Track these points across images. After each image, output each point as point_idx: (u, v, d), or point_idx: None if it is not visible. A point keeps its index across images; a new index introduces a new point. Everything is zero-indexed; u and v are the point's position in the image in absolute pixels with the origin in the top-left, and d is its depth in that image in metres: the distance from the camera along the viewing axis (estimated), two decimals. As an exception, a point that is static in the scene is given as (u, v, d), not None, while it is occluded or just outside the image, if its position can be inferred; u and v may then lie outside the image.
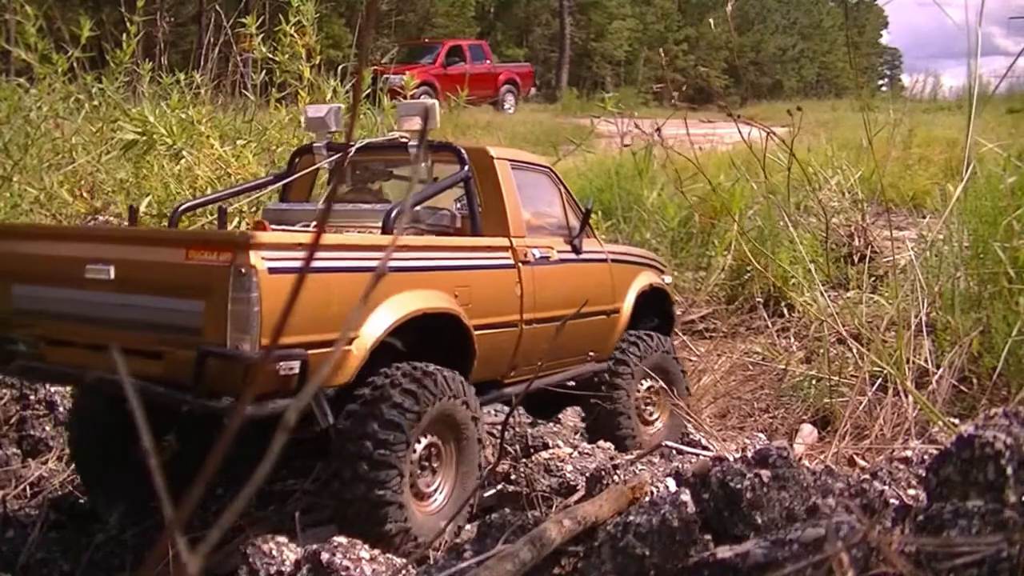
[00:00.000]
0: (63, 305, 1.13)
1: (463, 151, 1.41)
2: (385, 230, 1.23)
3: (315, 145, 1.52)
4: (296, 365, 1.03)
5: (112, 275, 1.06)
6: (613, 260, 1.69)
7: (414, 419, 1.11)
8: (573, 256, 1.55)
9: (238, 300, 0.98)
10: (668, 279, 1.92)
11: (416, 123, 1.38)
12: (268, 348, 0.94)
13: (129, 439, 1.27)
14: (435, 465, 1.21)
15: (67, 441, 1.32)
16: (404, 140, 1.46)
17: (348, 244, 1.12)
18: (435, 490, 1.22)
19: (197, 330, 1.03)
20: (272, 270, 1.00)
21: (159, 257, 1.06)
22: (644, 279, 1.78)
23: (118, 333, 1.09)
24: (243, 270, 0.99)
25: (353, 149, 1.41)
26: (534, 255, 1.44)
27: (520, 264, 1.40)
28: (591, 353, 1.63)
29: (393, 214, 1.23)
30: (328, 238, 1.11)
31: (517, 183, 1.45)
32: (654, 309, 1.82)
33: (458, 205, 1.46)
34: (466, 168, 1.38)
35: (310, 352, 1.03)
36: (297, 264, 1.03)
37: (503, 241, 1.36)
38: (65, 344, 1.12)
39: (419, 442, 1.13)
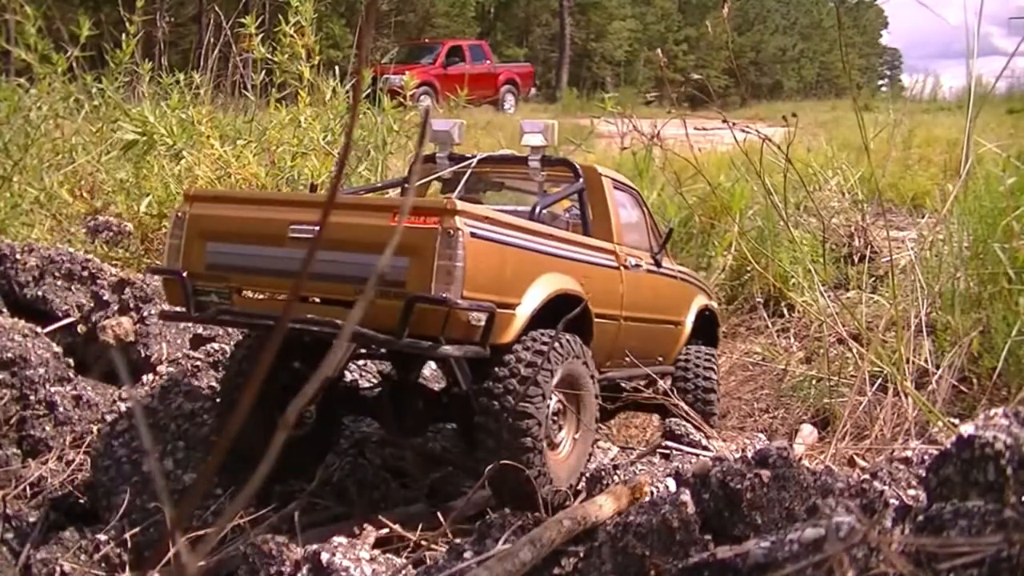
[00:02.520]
0: (259, 261, 1.28)
1: (578, 167, 1.62)
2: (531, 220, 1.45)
3: (437, 155, 1.69)
4: (484, 317, 1.20)
5: (316, 235, 1.21)
6: (680, 278, 1.92)
7: (548, 375, 1.27)
8: (655, 268, 1.77)
9: (445, 256, 1.16)
10: (714, 304, 2.13)
11: (536, 139, 1.59)
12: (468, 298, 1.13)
13: (282, 400, 1.39)
14: (562, 419, 1.36)
15: (219, 391, 1.47)
16: (515, 154, 1.71)
17: (519, 225, 1.32)
18: (562, 441, 1.36)
19: (400, 283, 1.18)
20: (472, 234, 1.19)
21: (366, 220, 1.20)
22: (702, 300, 1.99)
23: (317, 285, 1.23)
24: (451, 232, 1.16)
25: (474, 160, 1.60)
26: (630, 262, 1.65)
27: (621, 267, 1.61)
28: (659, 358, 1.83)
29: (538, 210, 1.46)
30: (506, 218, 1.30)
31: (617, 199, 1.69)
32: (703, 330, 2.00)
33: (567, 214, 1.70)
34: (580, 181, 1.59)
35: (497, 311, 1.22)
36: (488, 233, 1.22)
37: (610, 246, 1.59)
38: (258, 294, 1.28)
39: (551, 397, 1.30)
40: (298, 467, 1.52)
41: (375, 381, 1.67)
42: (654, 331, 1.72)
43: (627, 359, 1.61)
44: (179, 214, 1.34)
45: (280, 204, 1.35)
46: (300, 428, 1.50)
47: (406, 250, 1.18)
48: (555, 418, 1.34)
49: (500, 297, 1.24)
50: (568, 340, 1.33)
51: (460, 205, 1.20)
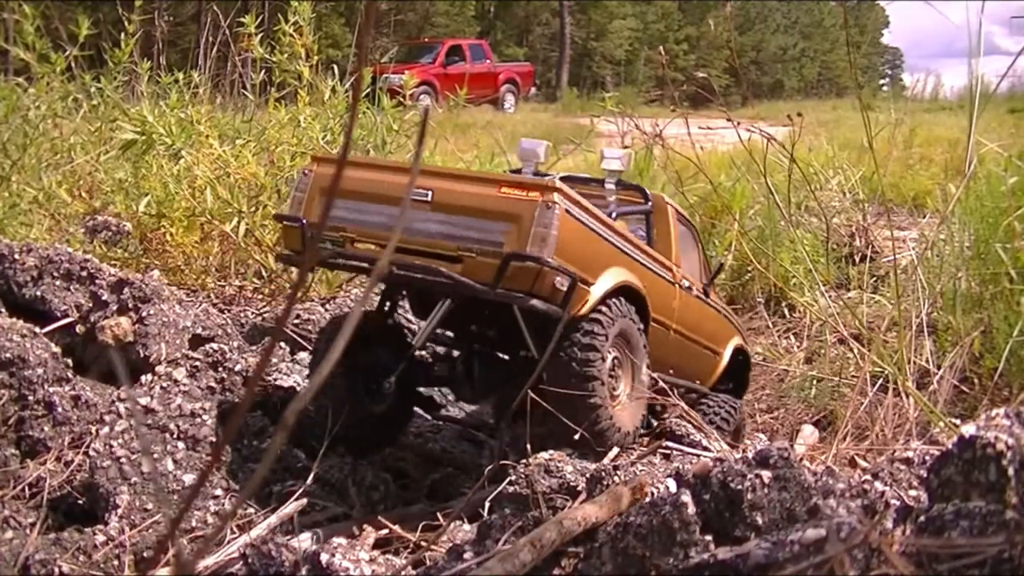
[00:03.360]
0: (373, 217, 1.46)
1: (648, 192, 1.87)
2: None
3: (523, 171, 1.90)
4: (567, 283, 1.39)
5: (429, 198, 1.40)
6: (723, 314, 2.10)
7: (603, 337, 1.45)
8: (703, 297, 1.95)
9: (541, 224, 1.35)
10: (747, 347, 2.30)
11: (615, 164, 1.78)
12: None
13: (368, 380, 1.61)
14: (619, 372, 1.55)
15: (309, 372, 1.69)
16: (593, 177, 1.93)
17: (603, 219, 1.52)
18: (620, 392, 1.55)
19: (498, 244, 1.38)
20: (567, 211, 1.39)
21: (475, 190, 1.41)
22: (738, 340, 2.16)
23: (423, 240, 1.42)
24: (549, 204, 1.36)
25: (557, 178, 1.79)
26: (684, 283, 1.85)
27: (677, 285, 1.81)
28: (697, 381, 2.03)
29: (613, 215, 1.70)
30: (594, 209, 1.50)
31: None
32: (734, 371, 2.15)
33: (634, 233, 1.90)
34: (649, 204, 1.82)
35: (578, 284, 1.41)
36: (579, 215, 1.42)
37: (670, 263, 1.79)
38: (369, 245, 1.48)
39: (609, 352, 1.48)
40: (379, 439, 1.69)
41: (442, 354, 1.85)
42: (697, 352, 1.91)
43: (671, 371, 1.80)
44: (305, 171, 1.53)
45: (396, 170, 1.52)
46: (381, 402, 1.65)
47: (508, 217, 1.37)
48: (612, 372, 1.51)
49: (580, 272, 1.41)
50: (621, 301, 1.51)
51: (559, 185, 1.40)
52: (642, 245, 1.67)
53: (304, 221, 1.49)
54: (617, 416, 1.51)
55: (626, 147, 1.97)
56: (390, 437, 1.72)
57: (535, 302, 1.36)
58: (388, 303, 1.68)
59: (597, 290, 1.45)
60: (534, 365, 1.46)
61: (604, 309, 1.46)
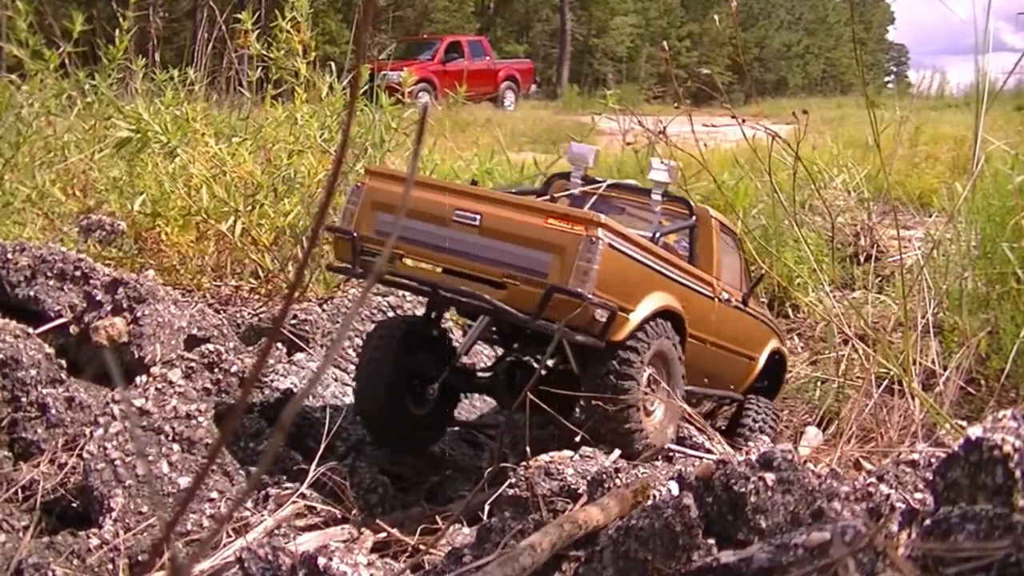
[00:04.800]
0: (423, 235, 1.52)
1: (692, 204, 1.89)
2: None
3: (572, 175, 1.94)
4: (606, 315, 1.44)
5: (477, 222, 1.47)
6: (761, 320, 2.14)
7: (639, 363, 1.53)
8: (742, 306, 1.98)
9: (585, 259, 1.41)
10: (785, 349, 2.35)
11: (662, 176, 1.83)
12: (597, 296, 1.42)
13: (412, 383, 1.67)
14: (653, 388, 1.62)
15: (357, 377, 1.70)
16: (640, 185, 1.99)
17: (646, 246, 1.56)
18: (655, 407, 1.62)
19: (542, 274, 1.44)
20: (610, 245, 1.44)
21: (522, 218, 1.46)
22: (775, 343, 2.19)
23: (469, 263, 1.48)
24: (593, 240, 1.41)
25: (604, 185, 1.88)
26: (724, 296, 1.88)
27: (716, 299, 1.84)
28: (731, 386, 2.09)
29: (658, 235, 1.74)
30: (637, 238, 1.54)
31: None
32: (770, 372, 2.21)
33: (677, 245, 1.94)
34: (693, 218, 1.85)
35: (617, 313, 1.47)
36: (621, 247, 1.47)
37: (710, 279, 1.82)
38: (418, 263, 1.53)
39: (645, 369, 1.55)
40: (418, 442, 1.76)
41: (488, 364, 1.97)
42: (732, 360, 1.95)
43: (705, 380, 1.87)
44: (359, 185, 1.58)
45: (447, 191, 1.56)
46: (423, 406, 1.70)
47: (552, 248, 1.43)
48: (648, 388, 1.58)
49: (620, 301, 1.47)
50: (658, 322, 1.57)
51: (604, 219, 1.44)
52: (683, 265, 1.70)
53: (355, 234, 1.53)
54: (650, 431, 1.56)
55: (660, 159, 2.00)
56: (429, 440, 1.79)
57: (574, 334, 1.41)
58: (434, 312, 1.73)
59: (636, 316, 1.50)
60: (573, 375, 1.51)
61: (641, 333, 1.51)
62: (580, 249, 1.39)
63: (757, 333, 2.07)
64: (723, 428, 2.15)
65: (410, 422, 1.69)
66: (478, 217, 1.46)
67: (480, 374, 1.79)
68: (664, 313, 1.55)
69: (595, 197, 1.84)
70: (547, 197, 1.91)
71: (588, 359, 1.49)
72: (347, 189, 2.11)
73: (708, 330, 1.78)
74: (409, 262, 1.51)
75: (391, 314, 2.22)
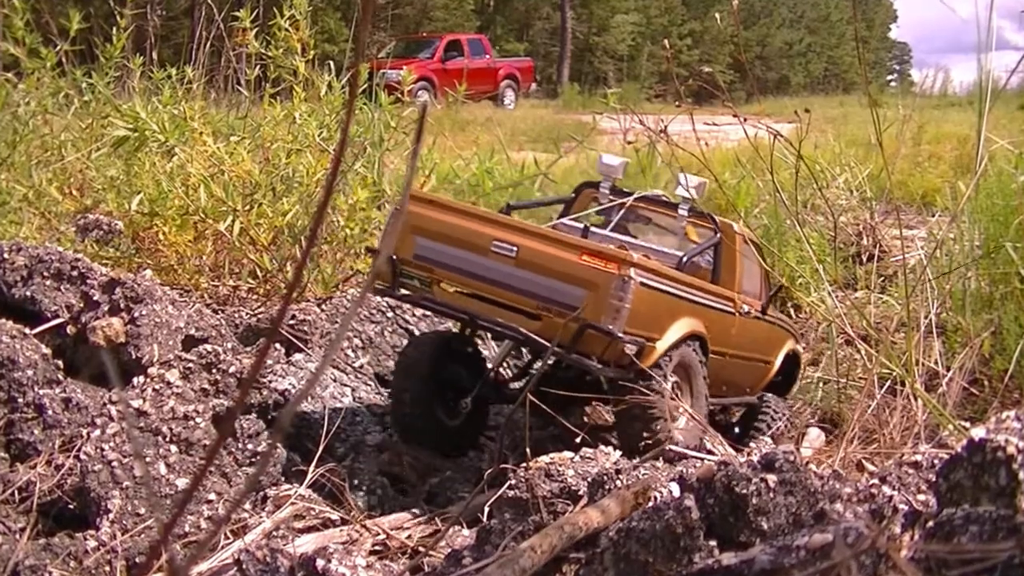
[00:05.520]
0: (461, 263, 1.60)
1: (717, 220, 1.97)
2: (678, 268, 1.81)
3: (601, 185, 2.02)
4: (636, 349, 1.54)
5: (514, 254, 1.54)
6: (778, 324, 2.23)
7: (664, 378, 1.61)
8: (760, 315, 2.07)
9: (617, 297, 1.49)
10: (800, 348, 2.46)
11: (688, 191, 1.90)
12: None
13: (446, 395, 1.76)
14: (679, 395, 1.70)
15: (392, 390, 1.78)
16: (668, 198, 2.07)
17: (674, 277, 1.65)
18: (680, 413, 1.70)
19: (575, 308, 1.51)
20: (641, 283, 1.53)
21: (558, 253, 1.53)
22: (790, 344, 2.29)
23: (505, 293, 1.56)
24: (626, 280, 1.50)
25: (632, 198, 1.96)
26: (744, 308, 1.95)
27: (737, 313, 1.92)
28: (747, 388, 2.18)
29: (685, 259, 1.83)
30: (665, 271, 1.63)
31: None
32: (784, 368, 2.30)
33: (702, 260, 2.03)
34: (718, 235, 1.93)
35: (646, 344, 1.56)
36: (651, 282, 1.55)
37: (731, 294, 1.90)
38: (454, 288, 1.60)
39: (670, 378, 1.63)
40: (456, 448, 1.84)
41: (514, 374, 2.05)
42: (750, 367, 2.11)
43: (724, 388, 1.96)
44: (398, 208, 1.74)
45: (486, 221, 1.63)
46: (456, 418, 1.78)
47: (586, 284, 1.51)
48: (673, 394, 1.66)
49: (648, 333, 1.56)
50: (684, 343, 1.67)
51: (636, 258, 1.53)
52: (706, 287, 1.77)
53: (394, 257, 1.60)
54: (676, 437, 1.63)
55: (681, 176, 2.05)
56: (461, 448, 1.87)
57: (604, 370, 1.51)
58: (468, 330, 1.81)
59: (663, 344, 1.59)
60: (600, 386, 1.61)
61: (667, 355, 1.62)
62: (613, 288, 1.46)
63: (774, 337, 2.23)
64: (735, 425, 2.20)
65: (443, 433, 1.76)
66: (515, 249, 1.52)
67: (511, 385, 1.89)
68: (689, 336, 1.65)
69: (624, 209, 1.95)
70: (576, 206, 2.00)
71: (616, 378, 1.58)
72: (344, 188, 2.16)
73: (729, 344, 1.87)
74: (445, 287, 1.58)
75: (390, 315, 2.24)
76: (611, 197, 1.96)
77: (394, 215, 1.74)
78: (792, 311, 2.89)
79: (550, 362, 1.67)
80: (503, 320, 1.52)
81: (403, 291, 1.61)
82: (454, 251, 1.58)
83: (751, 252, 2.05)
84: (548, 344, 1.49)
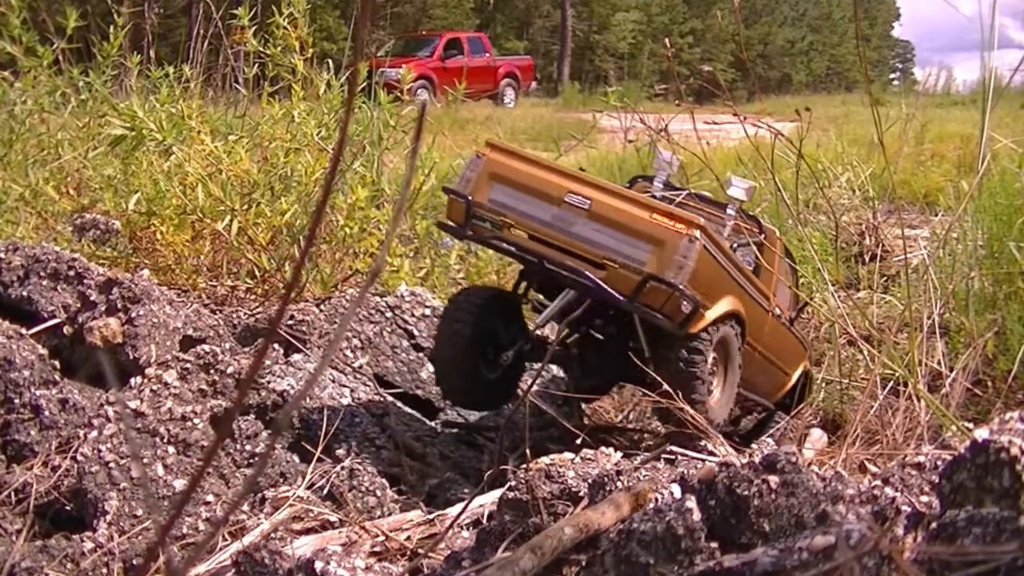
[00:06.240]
0: (533, 209, 1.66)
1: (763, 224, 2.09)
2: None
3: (655, 179, 2.12)
4: (690, 307, 1.59)
5: (587, 207, 1.60)
6: (800, 341, 2.33)
7: (708, 342, 1.69)
8: (788, 325, 2.17)
9: (682, 254, 1.56)
10: (812, 369, 2.55)
11: (740, 193, 1.97)
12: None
13: (487, 348, 1.82)
14: (716, 370, 1.78)
15: (436, 346, 1.84)
16: (716, 199, 2.15)
17: (731, 256, 1.74)
18: (716, 387, 1.78)
19: (641, 261, 1.59)
20: (704, 247, 1.60)
21: (630, 209, 1.61)
22: (806, 363, 2.37)
23: (574, 241, 1.62)
24: (691, 239, 1.57)
25: (684, 193, 2.05)
26: (777, 311, 2.05)
27: (771, 312, 2.02)
28: (765, 394, 2.27)
29: (736, 246, 1.92)
30: (725, 245, 1.72)
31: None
32: (794, 388, 2.40)
33: (745, 258, 2.13)
34: (762, 236, 2.04)
35: (699, 306, 1.62)
36: (713, 251, 1.62)
37: (769, 293, 1.99)
38: (523, 233, 1.66)
39: (709, 354, 1.70)
40: (486, 403, 1.91)
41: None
42: (771, 372, 2.14)
43: (747, 384, 2.02)
44: (479, 155, 1.71)
45: (562, 175, 1.69)
46: (494, 371, 1.84)
47: (654, 241, 1.58)
48: (711, 371, 1.74)
49: (702, 298, 1.62)
50: (726, 320, 1.74)
51: (702, 222, 1.59)
52: (752, 276, 1.86)
53: (469, 199, 1.65)
54: (711, 406, 1.72)
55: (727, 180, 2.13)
56: (495, 403, 1.95)
57: (661, 320, 1.59)
58: (524, 284, 1.85)
59: (711, 314, 1.66)
60: (640, 355, 1.67)
61: (711, 325, 1.68)
62: (680, 245, 1.54)
63: (796, 352, 2.32)
64: (747, 430, 2.30)
65: (481, 384, 1.84)
66: (589, 202, 1.58)
67: (551, 346, 1.92)
68: (732, 315, 1.73)
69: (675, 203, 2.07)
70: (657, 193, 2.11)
71: (660, 341, 1.66)
72: (343, 187, 2.16)
73: (760, 340, 1.94)
74: (517, 232, 1.64)
75: (389, 315, 2.23)
76: (664, 192, 2.04)
77: (474, 161, 1.72)
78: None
79: (596, 319, 1.74)
80: (572, 264, 1.58)
81: (471, 232, 1.67)
82: (529, 199, 1.64)
83: (788, 267, 2.17)
84: (612, 292, 1.55)
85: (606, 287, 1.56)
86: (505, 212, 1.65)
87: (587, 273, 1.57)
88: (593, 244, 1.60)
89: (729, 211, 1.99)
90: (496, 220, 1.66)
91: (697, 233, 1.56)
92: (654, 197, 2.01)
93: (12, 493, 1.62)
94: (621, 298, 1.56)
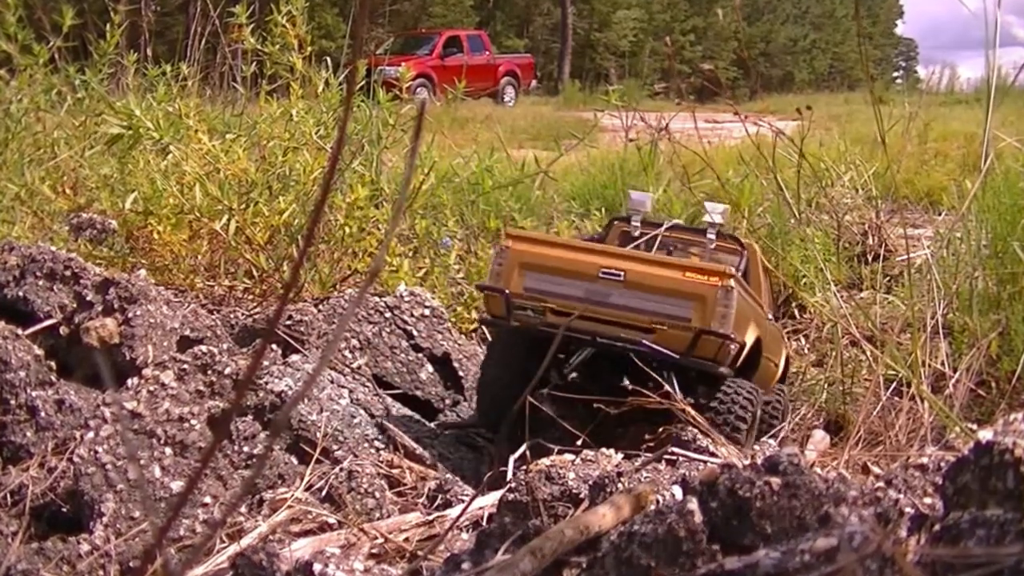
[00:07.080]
0: (569, 289, 1.77)
1: (742, 241, 2.21)
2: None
3: (632, 219, 2.22)
4: (735, 348, 1.74)
5: (622, 278, 1.72)
6: (779, 330, 2.50)
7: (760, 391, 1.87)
8: (774, 321, 2.32)
9: (723, 304, 1.70)
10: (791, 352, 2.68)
11: (716, 218, 2.10)
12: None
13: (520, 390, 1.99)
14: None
15: (481, 383, 1.95)
16: (695, 226, 2.30)
17: (751, 292, 1.91)
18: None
19: (686, 319, 1.71)
20: (737, 293, 1.75)
21: (663, 272, 1.74)
22: (786, 348, 2.51)
23: (617, 312, 1.73)
24: (728, 289, 1.71)
25: (664, 227, 2.17)
26: (770, 316, 2.20)
27: (768, 320, 2.18)
28: (763, 387, 2.47)
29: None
30: (746, 285, 1.88)
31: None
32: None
33: None
34: (745, 254, 2.15)
35: (744, 345, 1.79)
36: (742, 293, 1.77)
37: (763, 304, 2.15)
38: (566, 314, 1.75)
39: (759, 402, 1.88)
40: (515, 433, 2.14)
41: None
42: (769, 367, 2.25)
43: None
44: (503, 248, 1.82)
45: (589, 251, 1.82)
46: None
47: (693, 297, 1.71)
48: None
49: (739, 336, 1.77)
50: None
51: (733, 271, 1.75)
52: (757, 298, 1.99)
53: (507, 292, 1.75)
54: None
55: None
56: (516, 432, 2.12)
57: (722, 369, 1.72)
58: (564, 355, 1.98)
59: (746, 345, 1.82)
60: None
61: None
62: (719, 297, 1.67)
63: (780, 343, 2.41)
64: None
65: (518, 420, 2.01)
66: (623, 273, 1.71)
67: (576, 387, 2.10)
68: (757, 340, 1.92)
69: (659, 240, 2.11)
70: (608, 239, 2.15)
71: (701, 387, 1.82)
72: (342, 186, 2.14)
73: (766, 347, 2.09)
74: (559, 314, 1.75)
75: (388, 315, 2.24)
76: (642, 230, 2.17)
77: (500, 253, 1.82)
78: (797, 311, 2.86)
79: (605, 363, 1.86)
80: (625, 335, 1.69)
81: (516, 324, 1.76)
82: (563, 280, 1.75)
83: (765, 272, 2.32)
84: (668, 352, 1.66)
85: (662, 349, 1.67)
86: (544, 297, 1.75)
87: (643, 341, 1.67)
88: (636, 311, 1.70)
89: (709, 235, 2.11)
90: (537, 306, 1.75)
91: (731, 283, 1.68)
92: (634, 236, 2.17)
93: (8, 495, 1.60)
94: (676, 356, 1.67)
